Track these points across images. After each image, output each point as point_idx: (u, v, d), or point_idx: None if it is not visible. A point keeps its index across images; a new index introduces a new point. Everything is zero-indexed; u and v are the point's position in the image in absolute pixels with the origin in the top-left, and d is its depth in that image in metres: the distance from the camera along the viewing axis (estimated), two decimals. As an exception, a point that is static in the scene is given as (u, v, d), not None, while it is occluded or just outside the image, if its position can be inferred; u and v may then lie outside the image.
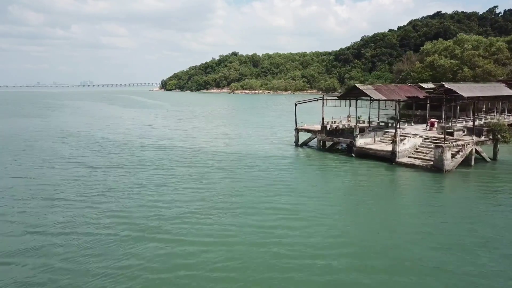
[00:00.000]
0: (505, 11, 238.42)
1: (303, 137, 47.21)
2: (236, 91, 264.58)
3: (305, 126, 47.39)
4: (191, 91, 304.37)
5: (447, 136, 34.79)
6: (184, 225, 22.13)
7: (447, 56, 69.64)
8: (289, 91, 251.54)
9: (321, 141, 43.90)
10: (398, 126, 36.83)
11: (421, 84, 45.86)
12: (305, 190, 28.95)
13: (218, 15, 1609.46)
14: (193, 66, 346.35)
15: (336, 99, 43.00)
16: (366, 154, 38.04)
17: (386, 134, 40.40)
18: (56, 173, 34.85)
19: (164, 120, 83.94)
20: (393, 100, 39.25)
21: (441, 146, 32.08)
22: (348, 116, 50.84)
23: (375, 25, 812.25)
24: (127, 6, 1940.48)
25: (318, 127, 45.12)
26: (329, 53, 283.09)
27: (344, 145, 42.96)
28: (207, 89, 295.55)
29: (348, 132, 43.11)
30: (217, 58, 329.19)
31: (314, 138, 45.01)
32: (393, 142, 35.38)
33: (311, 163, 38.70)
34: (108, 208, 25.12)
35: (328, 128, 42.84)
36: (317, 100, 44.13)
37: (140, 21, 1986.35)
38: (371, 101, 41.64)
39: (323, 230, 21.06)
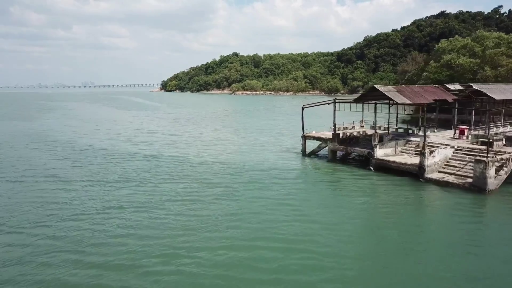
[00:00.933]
0: (510, 11, 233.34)
1: (311, 145, 41.25)
2: (237, 92, 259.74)
3: (314, 133, 41.43)
4: (192, 92, 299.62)
5: (483, 147, 29.08)
6: (164, 266, 16.61)
7: (465, 55, 63.77)
8: (290, 92, 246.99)
9: (333, 151, 38.14)
10: (425, 134, 30.89)
11: (447, 85, 40.08)
12: (316, 215, 23.37)
13: (219, 15, 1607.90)
14: (193, 67, 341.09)
15: (351, 102, 36.96)
16: (387, 168, 32.26)
17: (409, 144, 34.56)
18: (15, 190, 29.12)
19: (157, 124, 78.21)
20: (419, 105, 33.55)
21: (483, 160, 26.24)
22: (361, 121, 45.03)
23: (376, 25, 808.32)
24: (129, 6, 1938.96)
25: (329, 134, 39.22)
26: (331, 54, 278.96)
27: (357, 154, 37.06)
28: (207, 90, 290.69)
29: (364, 141, 37.32)
30: (218, 58, 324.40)
31: (324, 147, 39.04)
32: (421, 154, 29.50)
33: (322, 178, 32.88)
34: (68, 239, 19.42)
35: (341, 136, 36.98)
36: (328, 103, 38.21)
37: (141, 22, 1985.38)
38: (390, 105, 35.89)
39: (338, 275, 15.57)
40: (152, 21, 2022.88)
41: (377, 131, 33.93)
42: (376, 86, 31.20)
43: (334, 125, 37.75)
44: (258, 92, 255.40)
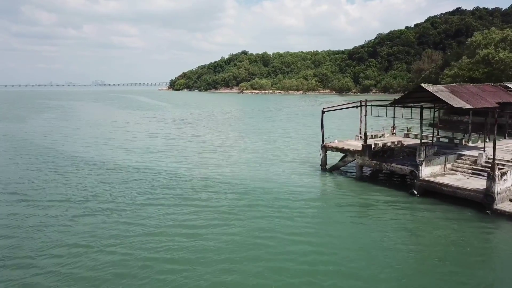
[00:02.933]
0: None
1: (332, 156, 33.74)
2: (246, 91, 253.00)
3: (337, 143, 33.32)
4: (200, 91, 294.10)
5: None
6: None
7: (506, 49, 55.70)
8: (300, 91, 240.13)
9: (362, 167, 30.20)
10: (495, 148, 22.97)
11: (506, 84, 32.35)
12: (342, 262, 16.45)
13: (228, 14, 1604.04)
14: (202, 65, 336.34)
15: (387, 105, 29.08)
16: (435, 192, 24.71)
17: (462, 159, 26.83)
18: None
19: (156, 126, 71.09)
20: (484, 109, 25.90)
21: None
22: (392, 128, 37.28)
23: (386, 24, 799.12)
24: (138, 6, 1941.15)
25: (356, 145, 31.52)
26: (342, 52, 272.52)
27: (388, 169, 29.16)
28: (216, 88, 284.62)
29: (400, 154, 29.70)
30: (226, 57, 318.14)
31: (350, 161, 31.24)
32: (488, 176, 21.76)
33: (348, 202, 25.30)
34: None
35: (372, 148, 29.44)
36: (356, 106, 30.57)
37: (150, 21, 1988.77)
38: (436, 109, 28.27)
39: None
40: (161, 20, 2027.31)
41: (423, 142, 26.19)
42: (423, 85, 23.56)
43: (364, 134, 29.83)
44: (267, 91, 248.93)
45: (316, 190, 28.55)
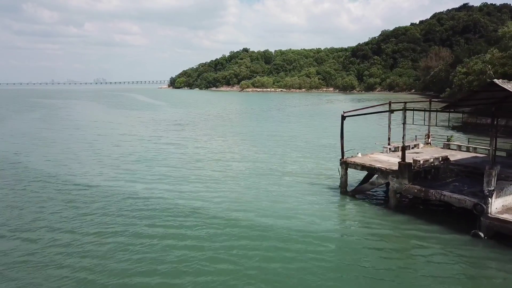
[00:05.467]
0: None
1: (354, 173, 26.39)
2: (247, 89, 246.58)
3: (361, 158, 25.26)
4: (200, 89, 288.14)
5: None
6: None
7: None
8: (303, 89, 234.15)
9: (398, 192, 22.33)
10: None
11: None
12: None
13: (230, 12, 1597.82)
14: (202, 63, 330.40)
15: (439, 110, 21.38)
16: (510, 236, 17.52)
17: (540, 185, 19.72)
18: None
19: (147, 128, 63.79)
20: None
21: None
22: (427, 137, 29.79)
23: (389, 22, 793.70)
24: (140, 3, 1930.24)
25: (387, 160, 24.04)
26: (345, 49, 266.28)
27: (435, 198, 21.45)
28: (216, 87, 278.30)
29: (448, 173, 22.49)
30: (227, 54, 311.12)
31: (381, 184, 23.78)
32: None
33: (382, 247, 17.99)
34: None
35: (413, 167, 21.45)
36: (391, 111, 23.25)
37: (152, 19, 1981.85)
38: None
39: None
40: (163, 18, 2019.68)
41: (494, 160, 18.78)
42: (496, 81, 16.32)
43: (403, 149, 21.93)
44: (268, 89, 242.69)
45: (335, 223, 21.33)
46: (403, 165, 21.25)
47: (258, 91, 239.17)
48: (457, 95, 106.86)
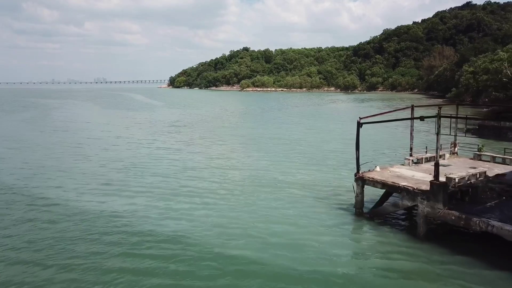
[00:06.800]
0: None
1: (370, 190, 21.74)
2: (247, 89, 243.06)
3: (380, 173, 21.12)
4: (200, 88, 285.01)
5: None
6: None
7: None
8: (304, 89, 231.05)
9: (428, 217, 18.01)
10: None
11: None
12: None
13: (230, 11, 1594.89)
14: (202, 62, 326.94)
15: (479, 118, 17.52)
16: None
17: None
18: None
19: (141, 131, 59.86)
20: None
21: None
22: (453, 145, 25.70)
23: (390, 21, 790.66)
24: (140, 2, 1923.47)
25: (412, 176, 19.94)
26: (347, 48, 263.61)
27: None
28: (216, 86, 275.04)
29: (487, 193, 18.60)
30: (227, 53, 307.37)
31: (406, 206, 19.35)
32: None
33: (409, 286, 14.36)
34: None
35: (448, 186, 17.25)
36: (421, 119, 19.09)
37: (153, 18, 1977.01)
38: None
39: None
40: (164, 17, 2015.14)
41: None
42: None
43: (437, 165, 17.31)
44: (269, 89, 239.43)
45: (350, 258, 17.35)
46: (437, 186, 17.12)
47: (259, 90, 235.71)
48: (464, 95, 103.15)
